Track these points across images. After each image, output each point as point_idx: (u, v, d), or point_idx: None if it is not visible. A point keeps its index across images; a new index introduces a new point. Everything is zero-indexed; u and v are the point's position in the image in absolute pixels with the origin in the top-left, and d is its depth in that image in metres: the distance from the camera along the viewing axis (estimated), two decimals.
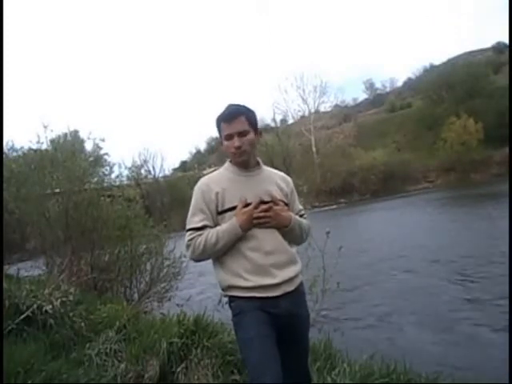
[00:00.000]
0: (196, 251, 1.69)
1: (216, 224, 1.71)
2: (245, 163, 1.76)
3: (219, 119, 1.75)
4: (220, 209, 1.71)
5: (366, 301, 6.16)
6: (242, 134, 1.71)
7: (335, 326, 4.27)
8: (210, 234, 1.67)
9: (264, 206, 1.68)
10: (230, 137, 1.72)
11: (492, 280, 6.15)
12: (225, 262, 1.70)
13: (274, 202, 1.71)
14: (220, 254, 1.70)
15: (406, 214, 18.85)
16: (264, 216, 1.68)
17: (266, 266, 1.66)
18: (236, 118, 1.71)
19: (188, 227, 1.72)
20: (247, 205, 1.68)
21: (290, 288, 1.70)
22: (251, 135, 1.73)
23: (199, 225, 1.70)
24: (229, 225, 1.67)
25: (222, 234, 1.66)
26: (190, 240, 1.69)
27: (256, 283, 1.64)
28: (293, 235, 1.79)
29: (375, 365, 2.65)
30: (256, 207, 1.67)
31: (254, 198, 1.70)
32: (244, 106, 1.78)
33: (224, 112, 1.75)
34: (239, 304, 1.67)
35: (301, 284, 1.80)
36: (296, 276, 1.75)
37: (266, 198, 1.72)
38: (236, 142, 1.70)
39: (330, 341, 3.19)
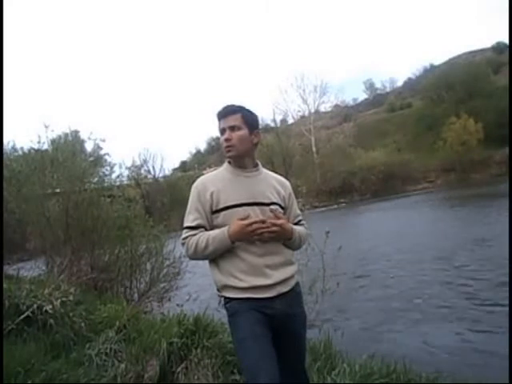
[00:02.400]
0: (189, 251, 1.72)
1: (210, 222, 1.72)
2: (236, 160, 1.77)
3: (217, 115, 1.79)
4: (214, 208, 1.71)
5: None
6: (233, 129, 1.74)
7: None
8: (202, 238, 1.68)
9: (272, 225, 1.65)
10: (222, 131, 1.77)
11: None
12: (220, 263, 1.71)
13: (275, 215, 1.70)
14: (213, 258, 1.71)
15: (405, 214, 18.84)
16: (269, 231, 1.65)
17: (260, 266, 1.66)
18: (231, 114, 1.75)
19: (184, 225, 1.75)
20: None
21: (284, 289, 1.70)
22: (243, 132, 1.75)
23: (193, 224, 1.72)
24: (219, 232, 1.67)
25: (213, 240, 1.66)
26: (185, 239, 1.73)
27: (250, 284, 1.64)
28: (291, 244, 1.79)
29: (375, 365, 2.64)
30: (250, 224, 1.63)
31: (250, 198, 1.71)
32: (244, 107, 1.80)
33: (221, 108, 1.78)
34: (234, 305, 1.67)
35: (297, 284, 1.80)
36: (291, 277, 1.75)
37: (263, 201, 1.72)
38: (226, 134, 1.74)
39: (329, 341, 3.19)
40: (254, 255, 1.67)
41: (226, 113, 1.76)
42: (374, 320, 5.28)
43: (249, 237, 1.64)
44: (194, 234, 1.70)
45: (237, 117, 1.75)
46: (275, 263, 1.69)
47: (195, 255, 1.72)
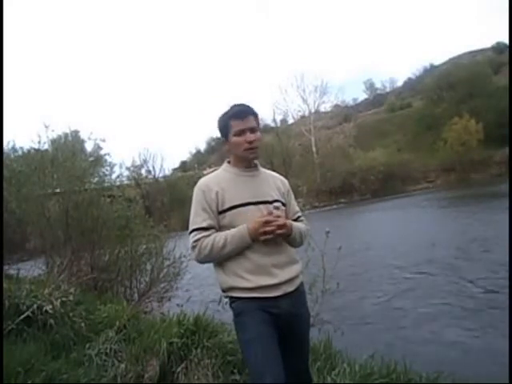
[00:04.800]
0: (202, 253, 1.66)
1: (219, 223, 1.70)
2: (250, 161, 1.77)
3: (228, 116, 1.74)
4: (220, 208, 1.69)
5: None
6: (253, 131, 1.73)
7: None
8: (218, 238, 1.64)
9: (278, 223, 1.65)
10: (242, 132, 1.71)
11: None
12: (225, 263, 1.68)
13: (269, 213, 1.68)
14: (226, 258, 1.67)
15: (404, 214, 18.83)
16: (276, 227, 1.65)
17: (267, 265, 1.66)
18: (248, 115, 1.73)
19: (192, 228, 1.69)
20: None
21: (290, 288, 1.70)
22: (259, 134, 1.77)
23: (204, 224, 1.67)
24: (238, 231, 1.64)
25: (231, 238, 1.63)
26: (196, 241, 1.66)
27: (256, 283, 1.63)
28: (292, 241, 1.78)
29: (375, 365, 2.63)
30: (267, 222, 1.63)
31: (255, 197, 1.70)
32: (251, 107, 1.80)
33: (234, 109, 1.75)
34: (240, 305, 1.66)
35: (301, 284, 1.80)
36: (296, 276, 1.75)
37: (266, 199, 1.72)
38: (250, 136, 1.71)
39: (329, 341, 3.19)
40: (260, 254, 1.66)
41: (244, 114, 1.73)
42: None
43: (265, 235, 1.63)
44: (208, 235, 1.65)
45: (253, 118, 1.74)
46: (281, 262, 1.69)
47: (209, 257, 1.67)
